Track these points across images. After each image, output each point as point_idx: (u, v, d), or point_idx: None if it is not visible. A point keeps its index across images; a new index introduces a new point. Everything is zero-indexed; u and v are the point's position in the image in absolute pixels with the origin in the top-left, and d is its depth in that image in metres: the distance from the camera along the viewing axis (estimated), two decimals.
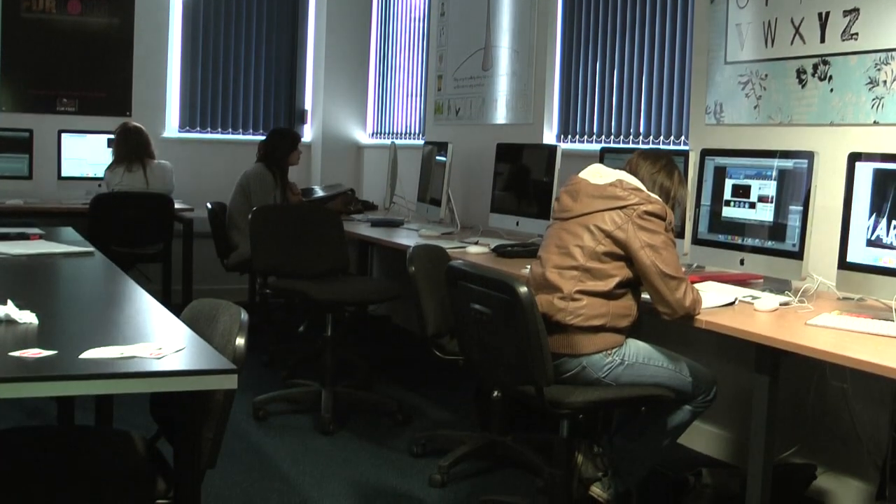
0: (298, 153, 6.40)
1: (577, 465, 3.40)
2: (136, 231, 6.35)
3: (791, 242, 3.51)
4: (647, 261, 3.12)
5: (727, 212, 3.75)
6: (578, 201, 3.25)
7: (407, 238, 5.34)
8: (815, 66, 3.94)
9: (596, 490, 3.43)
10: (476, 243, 4.93)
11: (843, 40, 3.81)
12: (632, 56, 5.16)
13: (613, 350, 3.21)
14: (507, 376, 3.31)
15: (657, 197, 3.24)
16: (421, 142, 6.69)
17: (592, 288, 3.17)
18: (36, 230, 4.43)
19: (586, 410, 3.23)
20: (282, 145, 6.29)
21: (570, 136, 5.61)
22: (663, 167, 3.37)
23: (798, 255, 3.48)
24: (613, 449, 3.46)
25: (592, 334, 3.18)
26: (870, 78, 3.71)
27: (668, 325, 3.24)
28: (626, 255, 3.16)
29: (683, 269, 3.27)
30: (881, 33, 3.67)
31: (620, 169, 3.35)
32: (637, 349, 3.26)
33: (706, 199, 3.82)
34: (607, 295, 3.17)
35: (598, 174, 3.29)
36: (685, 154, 4.09)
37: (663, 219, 3.16)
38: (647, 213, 3.15)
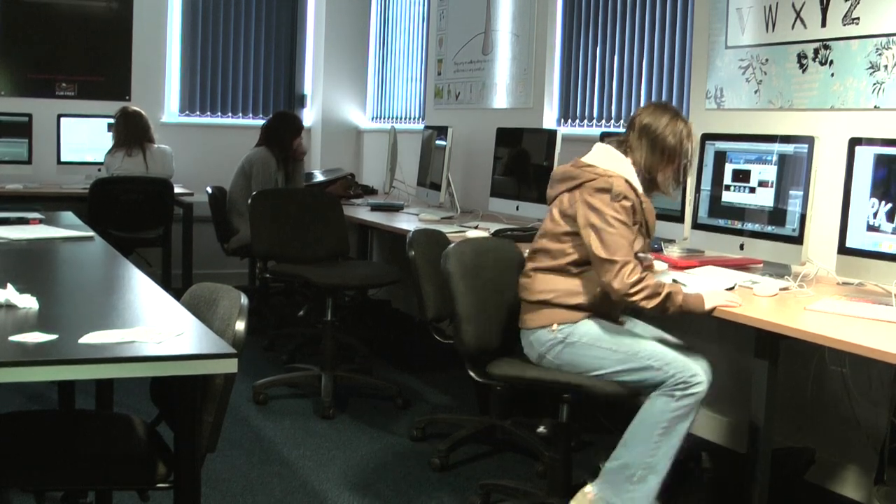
0: (301, 140, 6.34)
1: None
2: (135, 215, 6.35)
3: (791, 227, 3.51)
4: (587, 240, 3.12)
5: (727, 196, 3.75)
6: (552, 187, 3.32)
7: (407, 222, 5.34)
8: (816, 51, 3.93)
9: None
10: (476, 227, 4.94)
11: (844, 25, 3.80)
12: (632, 40, 5.15)
13: (559, 327, 3.20)
14: None
15: (612, 171, 3.17)
16: (421, 126, 6.68)
17: (544, 265, 3.25)
18: (36, 215, 4.42)
19: (504, 381, 3.32)
20: (285, 129, 6.26)
21: (570, 121, 5.60)
22: (666, 125, 3.24)
23: (798, 239, 3.48)
24: (605, 481, 3.15)
25: (539, 309, 3.23)
26: (871, 63, 3.70)
27: None
28: None
29: (647, 252, 3.25)
30: (882, 18, 3.66)
31: (625, 125, 3.36)
32: (588, 330, 3.18)
33: (706, 184, 3.82)
34: (557, 270, 3.22)
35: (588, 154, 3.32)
36: None
37: (609, 191, 3.11)
38: (595, 189, 3.13)
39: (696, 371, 3.06)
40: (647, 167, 3.25)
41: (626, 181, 3.17)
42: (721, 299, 3.10)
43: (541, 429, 3.95)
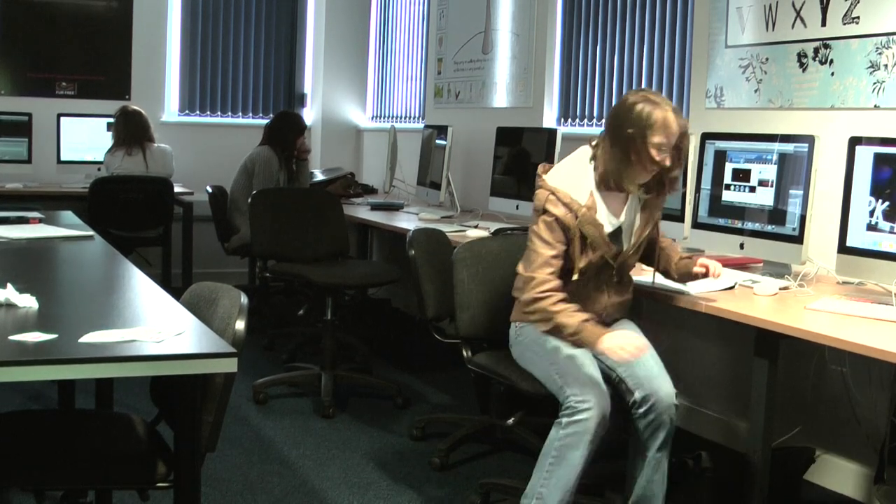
0: (304, 139, 6.32)
1: None
2: (135, 215, 6.35)
3: (791, 226, 3.51)
4: None
5: (727, 196, 3.75)
6: None
7: (407, 222, 5.34)
8: (816, 50, 3.93)
9: None
10: (476, 227, 4.94)
11: (845, 24, 3.80)
12: (632, 39, 5.15)
13: (519, 324, 3.26)
14: None
15: (546, 181, 3.09)
16: (421, 125, 6.68)
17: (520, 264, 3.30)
18: (35, 214, 4.42)
19: (475, 367, 3.53)
20: (288, 128, 6.25)
21: (570, 120, 5.60)
22: (626, 115, 2.97)
23: (798, 239, 3.48)
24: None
25: (516, 305, 3.30)
26: (871, 62, 3.70)
27: (669, 307, 3.24)
28: None
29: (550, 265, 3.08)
30: (882, 17, 3.66)
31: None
32: (533, 331, 3.17)
33: (706, 183, 3.82)
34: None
35: None
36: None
37: (533, 202, 3.15)
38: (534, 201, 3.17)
39: (588, 399, 2.93)
40: (608, 169, 3.03)
41: (553, 193, 3.04)
42: (618, 342, 2.93)
43: (510, 420, 4.04)
